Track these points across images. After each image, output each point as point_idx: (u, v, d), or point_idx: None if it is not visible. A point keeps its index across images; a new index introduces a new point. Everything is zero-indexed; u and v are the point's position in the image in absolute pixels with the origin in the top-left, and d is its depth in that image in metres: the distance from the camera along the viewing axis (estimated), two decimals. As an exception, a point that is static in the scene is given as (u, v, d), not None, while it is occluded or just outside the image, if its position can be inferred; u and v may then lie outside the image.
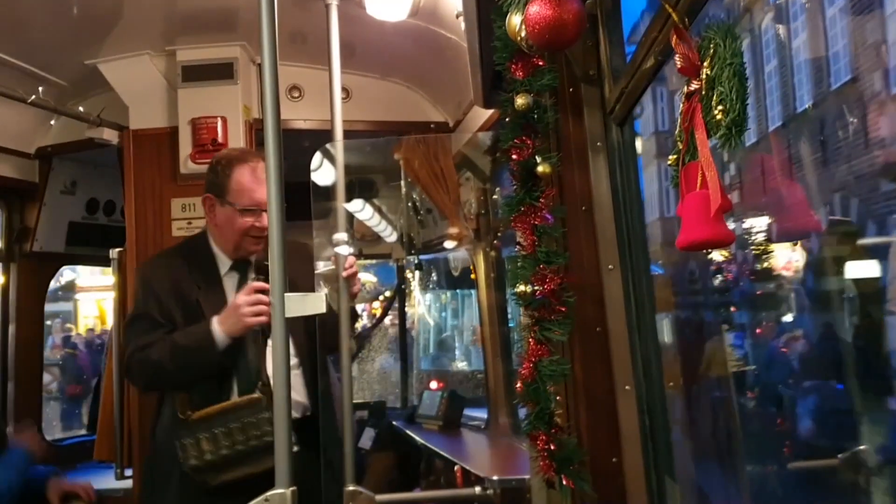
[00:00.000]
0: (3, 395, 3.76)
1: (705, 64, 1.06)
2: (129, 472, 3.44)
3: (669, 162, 1.19)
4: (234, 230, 2.48)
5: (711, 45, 1.03)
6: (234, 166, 2.49)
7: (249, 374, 2.41)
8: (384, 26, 3.08)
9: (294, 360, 2.52)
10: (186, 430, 2.33)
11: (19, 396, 3.81)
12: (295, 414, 2.52)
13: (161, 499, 2.48)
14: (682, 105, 1.15)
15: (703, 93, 1.05)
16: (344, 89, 2.98)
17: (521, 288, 1.70)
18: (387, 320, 6.70)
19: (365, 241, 4.38)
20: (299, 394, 2.54)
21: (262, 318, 2.31)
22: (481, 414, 4.25)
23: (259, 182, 2.45)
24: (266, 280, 2.39)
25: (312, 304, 2.02)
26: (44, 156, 3.83)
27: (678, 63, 1.10)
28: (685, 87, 1.13)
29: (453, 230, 4.04)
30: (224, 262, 2.56)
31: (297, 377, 2.54)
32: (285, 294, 1.91)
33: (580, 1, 1.34)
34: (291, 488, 1.85)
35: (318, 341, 2.57)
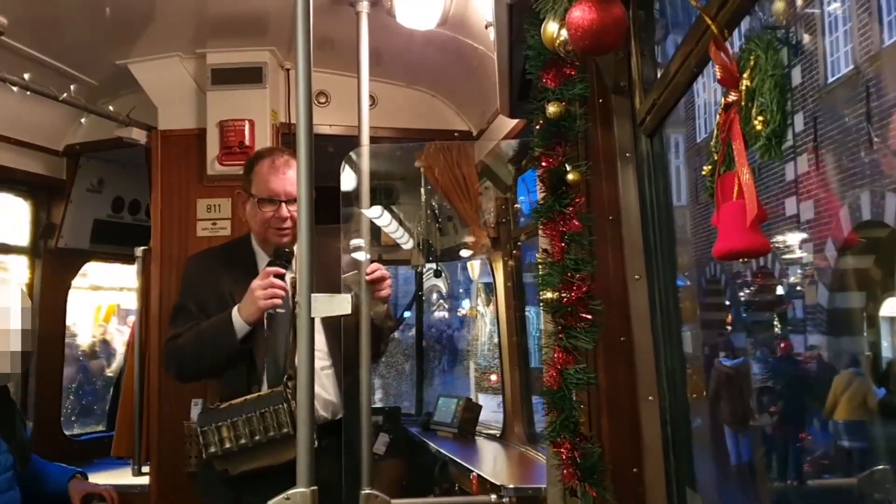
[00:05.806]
0: (24, 393, 3.80)
1: (745, 75, 1.07)
2: (145, 469, 3.47)
3: (704, 172, 1.20)
4: (258, 222, 2.55)
5: (752, 57, 1.04)
6: (256, 161, 2.59)
7: (278, 369, 2.42)
8: (412, 35, 3.11)
9: (326, 361, 2.54)
10: (211, 418, 2.37)
11: (40, 391, 3.85)
12: (326, 415, 2.52)
13: (199, 485, 2.63)
14: (718, 116, 1.17)
15: (742, 104, 1.06)
16: (370, 96, 3.01)
17: (548, 294, 1.70)
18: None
19: (387, 247, 4.40)
20: (331, 394, 2.54)
21: (275, 301, 2.36)
22: (496, 423, 4.25)
23: (277, 173, 2.49)
24: (283, 265, 2.42)
25: (339, 305, 2.04)
26: (72, 153, 3.88)
27: (717, 74, 1.11)
28: (722, 99, 1.15)
29: (473, 238, 4.05)
30: (262, 258, 2.59)
31: (329, 377, 2.55)
32: (312, 294, 1.94)
33: (622, 6, 1.35)
34: (312, 488, 1.87)
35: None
